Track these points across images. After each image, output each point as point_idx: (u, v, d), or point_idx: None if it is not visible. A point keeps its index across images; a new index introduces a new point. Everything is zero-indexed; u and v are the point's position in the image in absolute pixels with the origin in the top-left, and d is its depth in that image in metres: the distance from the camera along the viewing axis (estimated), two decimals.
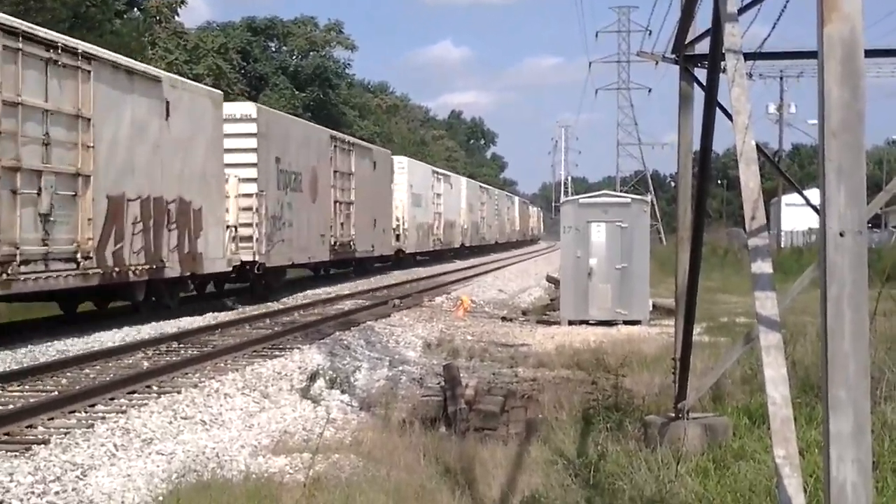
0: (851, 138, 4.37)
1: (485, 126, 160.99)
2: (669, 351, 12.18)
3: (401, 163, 48.09)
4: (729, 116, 7.77)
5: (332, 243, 34.09)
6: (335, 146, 34.96)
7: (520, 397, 12.99)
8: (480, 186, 66.90)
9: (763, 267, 5.46)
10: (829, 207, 4.36)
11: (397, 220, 46.75)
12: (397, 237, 46.55)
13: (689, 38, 9.80)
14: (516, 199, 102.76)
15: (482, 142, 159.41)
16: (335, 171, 34.29)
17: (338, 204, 34.90)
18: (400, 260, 47.39)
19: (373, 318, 22.08)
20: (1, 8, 23.11)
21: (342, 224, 35.08)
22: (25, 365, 14.46)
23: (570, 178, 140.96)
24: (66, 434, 9.92)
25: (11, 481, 8.05)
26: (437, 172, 57.13)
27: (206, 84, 38.47)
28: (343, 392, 13.31)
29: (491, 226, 77.01)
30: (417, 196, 50.14)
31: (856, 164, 4.37)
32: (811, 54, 10.69)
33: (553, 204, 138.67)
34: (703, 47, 9.59)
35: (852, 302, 4.33)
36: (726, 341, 15.91)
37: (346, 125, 63.27)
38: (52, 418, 10.81)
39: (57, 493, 7.91)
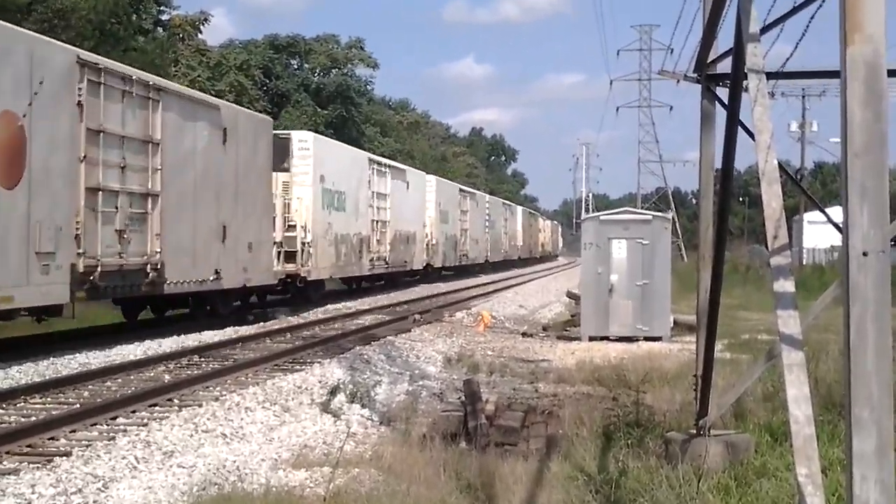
0: (874, 159, 4.38)
1: (506, 143, 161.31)
2: (690, 367, 12.16)
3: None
4: (751, 135, 7.77)
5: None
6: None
7: (540, 413, 12.95)
8: (461, 190, 59.95)
9: (785, 286, 5.46)
10: (852, 228, 4.37)
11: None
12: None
13: (711, 57, 9.81)
14: (519, 209, 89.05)
15: (503, 158, 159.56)
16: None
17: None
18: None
19: (393, 333, 22.10)
20: (28, 25, 23.28)
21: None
22: (48, 377, 14.54)
23: (591, 195, 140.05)
24: (87, 446, 9.97)
25: (33, 493, 8.11)
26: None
27: (227, 100, 39.03)
28: (363, 406, 13.32)
29: (478, 241, 64.05)
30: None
31: (879, 185, 4.38)
32: (834, 74, 10.68)
33: (574, 220, 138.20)
34: (724, 66, 9.61)
35: (876, 321, 4.33)
36: (748, 358, 15.86)
37: (368, 142, 63.42)
38: (74, 430, 10.87)
39: None
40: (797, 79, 12.72)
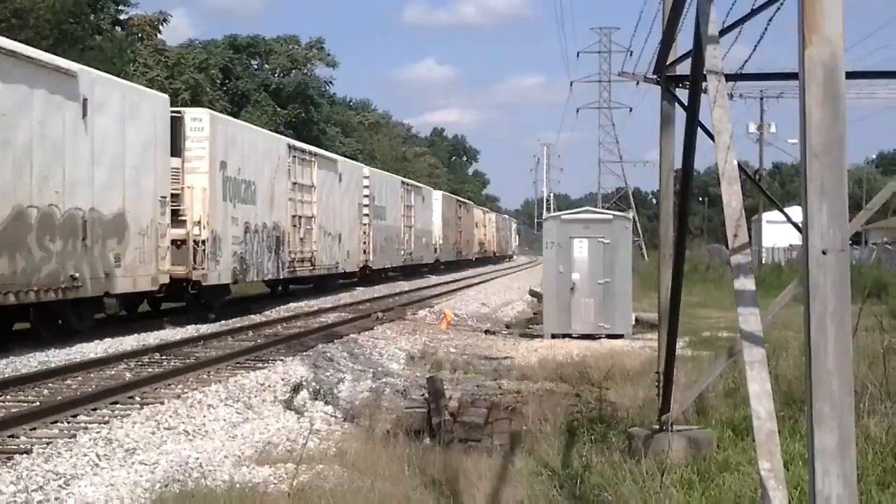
0: (833, 159, 4.45)
1: (467, 143, 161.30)
2: (653, 364, 12.26)
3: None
4: (710, 136, 7.85)
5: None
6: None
7: (504, 409, 13.01)
8: (404, 183, 54.19)
9: (746, 284, 5.54)
10: (811, 227, 4.44)
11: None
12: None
13: (671, 59, 9.90)
14: (438, 194, 65.62)
15: (464, 159, 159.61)
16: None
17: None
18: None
19: (356, 331, 22.09)
20: None
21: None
22: (7, 375, 14.40)
23: (552, 195, 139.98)
24: (48, 444, 9.90)
25: None
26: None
27: (183, 99, 39.07)
28: (327, 403, 13.32)
29: (423, 238, 57.95)
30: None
31: (837, 185, 4.45)
32: (792, 76, 10.80)
33: (535, 220, 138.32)
34: (684, 68, 9.68)
35: (835, 319, 4.40)
36: (709, 355, 15.99)
37: (329, 142, 63.21)
38: (35, 428, 10.80)
39: (40, 502, 7.93)
40: (756, 80, 12.87)
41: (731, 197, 5.74)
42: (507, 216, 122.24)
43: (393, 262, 50.00)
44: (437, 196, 63.96)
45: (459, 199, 77.00)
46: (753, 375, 5.17)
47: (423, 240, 57.63)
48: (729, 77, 9.07)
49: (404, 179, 56.67)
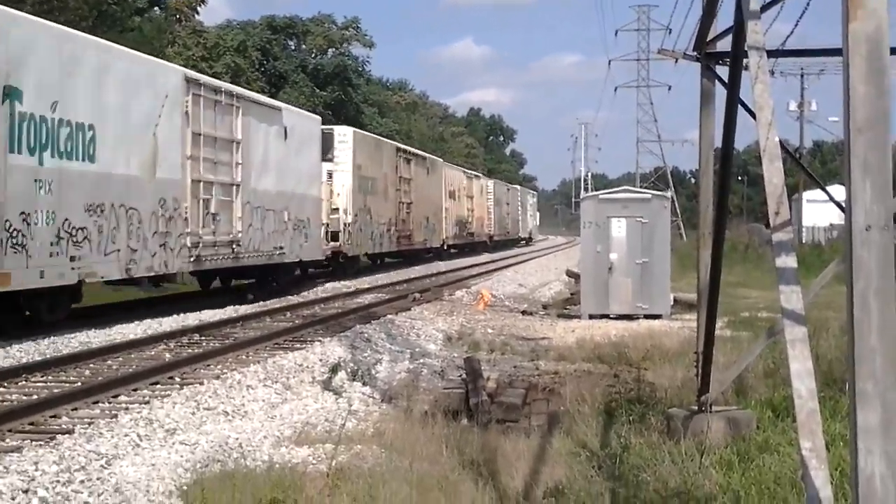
0: (877, 134, 4.38)
1: (504, 123, 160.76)
2: (691, 345, 12.19)
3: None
4: (750, 113, 7.78)
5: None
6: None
7: (541, 390, 13.00)
8: (400, 150, 43.61)
9: (787, 261, 5.48)
10: (854, 203, 4.37)
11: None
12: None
13: (711, 35, 9.81)
14: (348, 132, 37.47)
15: (501, 138, 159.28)
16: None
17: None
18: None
19: (393, 312, 22.11)
20: (24, 8, 23.20)
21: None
22: (49, 356, 14.53)
23: (589, 175, 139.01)
24: (90, 424, 9.98)
25: (37, 470, 8.10)
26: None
27: (224, 81, 38.36)
28: (364, 384, 13.34)
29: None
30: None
31: (882, 160, 4.38)
32: (835, 51, 10.68)
33: (573, 199, 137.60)
34: (724, 45, 9.60)
35: (879, 296, 4.34)
36: (748, 336, 15.89)
37: (366, 122, 63.27)
38: (76, 409, 10.88)
39: (82, 481, 7.96)
40: (798, 56, 12.73)
41: (773, 174, 5.68)
42: (519, 187, 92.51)
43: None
44: (346, 135, 36.07)
45: (406, 148, 47.14)
46: (795, 354, 5.12)
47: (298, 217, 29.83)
48: (770, 53, 8.97)
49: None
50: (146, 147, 20.20)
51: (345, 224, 34.67)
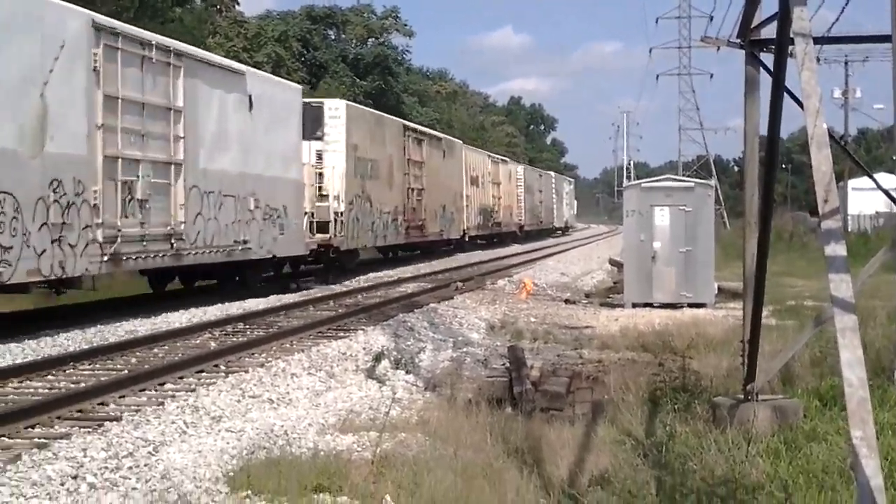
0: None
1: (544, 112, 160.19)
2: (736, 334, 12.12)
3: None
4: (796, 101, 7.70)
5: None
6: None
7: (585, 378, 12.96)
8: (408, 127, 38.84)
9: (837, 249, 5.42)
10: None
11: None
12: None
13: (755, 22, 9.71)
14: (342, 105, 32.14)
15: (542, 127, 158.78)
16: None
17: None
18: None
19: (435, 301, 22.13)
20: None
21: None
22: (96, 344, 14.68)
23: (631, 163, 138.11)
24: (137, 411, 10.07)
25: (85, 456, 8.19)
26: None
27: (266, 72, 37.70)
28: (408, 372, 13.37)
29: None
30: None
31: None
32: (882, 38, 10.54)
33: (615, 188, 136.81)
34: (768, 32, 9.50)
35: None
36: (794, 324, 15.74)
37: (406, 112, 63.34)
38: (123, 396, 10.98)
39: (130, 468, 8.03)
40: (843, 44, 12.57)
41: (821, 161, 5.62)
42: (553, 174, 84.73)
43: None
44: (338, 109, 31.06)
45: (417, 126, 42.55)
46: (845, 343, 5.07)
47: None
48: (816, 40, 8.87)
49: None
50: (26, 111, 15.28)
51: (336, 213, 29.58)
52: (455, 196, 45.74)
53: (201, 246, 20.42)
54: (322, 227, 28.69)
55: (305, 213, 27.03)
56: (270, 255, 24.00)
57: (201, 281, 23.97)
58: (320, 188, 29.46)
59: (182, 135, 19.53)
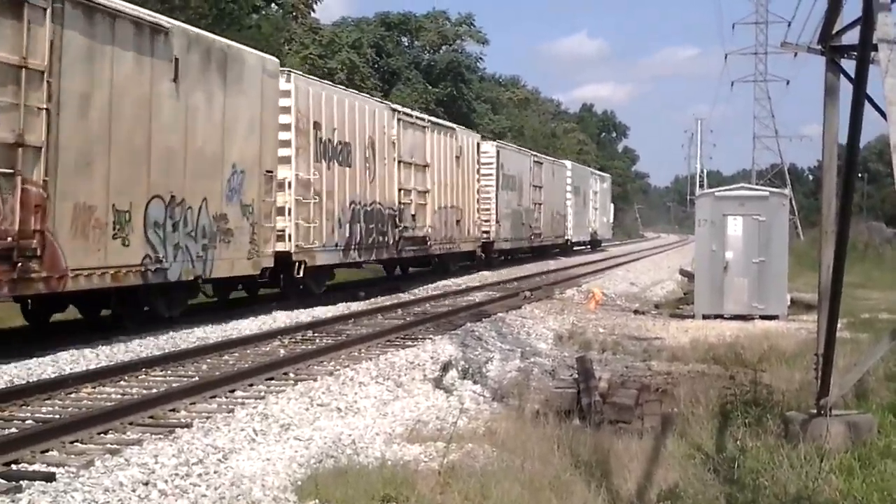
0: None
1: (616, 119, 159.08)
2: (809, 347, 11.92)
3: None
4: (877, 108, 7.56)
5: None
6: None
7: (654, 391, 12.83)
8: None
9: None
10: None
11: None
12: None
13: (836, 28, 9.56)
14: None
15: (614, 135, 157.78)
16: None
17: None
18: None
19: (503, 310, 22.08)
20: (149, 5, 23.78)
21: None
22: (167, 351, 14.87)
23: (704, 172, 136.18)
24: (207, 418, 10.18)
25: (156, 463, 8.29)
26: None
27: (339, 79, 37.52)
28: (475, 382, 13.34)
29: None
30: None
31: None
32: None
33: (687, 197, 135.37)
34: (850, 38, 9.35)
35: None
36: (868, 338, 15.46)
37: (478, 119, 63.24)
38: (194, 403, 11.10)
39: (200, 475, 8.10)
40: None
41: None
42: (569, 163, 56.93)
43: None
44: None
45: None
46: None
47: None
48: None
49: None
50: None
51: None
52: None
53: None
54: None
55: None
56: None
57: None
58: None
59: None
